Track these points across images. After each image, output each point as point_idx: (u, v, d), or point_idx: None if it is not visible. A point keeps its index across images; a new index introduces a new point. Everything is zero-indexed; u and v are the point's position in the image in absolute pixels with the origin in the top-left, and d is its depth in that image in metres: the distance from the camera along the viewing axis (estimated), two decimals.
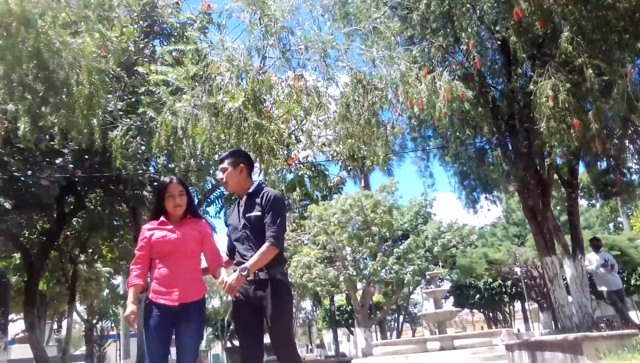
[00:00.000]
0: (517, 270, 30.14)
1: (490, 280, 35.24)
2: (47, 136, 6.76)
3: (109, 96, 5.72)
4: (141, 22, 8.36)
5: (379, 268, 25.24)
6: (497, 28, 8.98)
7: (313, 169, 9.23)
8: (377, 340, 32.03)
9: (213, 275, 3.88)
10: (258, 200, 3.86)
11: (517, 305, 42.30)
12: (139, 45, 7.91)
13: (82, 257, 12.59)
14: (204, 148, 6.40)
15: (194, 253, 3.84)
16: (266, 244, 3.65)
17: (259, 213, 3.80)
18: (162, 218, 3.86)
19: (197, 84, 6.49)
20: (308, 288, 26.77)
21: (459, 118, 8.91)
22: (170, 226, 3.82)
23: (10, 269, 13.52)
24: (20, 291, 18.24)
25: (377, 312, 32.46)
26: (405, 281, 25.65)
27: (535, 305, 36.62)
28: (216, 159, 4.01)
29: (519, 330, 36.00)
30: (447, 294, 35.10)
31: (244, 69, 5.95)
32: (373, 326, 31.83)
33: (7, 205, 7.65)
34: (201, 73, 6.23)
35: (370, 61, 6.31)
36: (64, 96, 5.13)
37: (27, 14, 4.58)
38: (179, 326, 3.71)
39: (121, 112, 6.87)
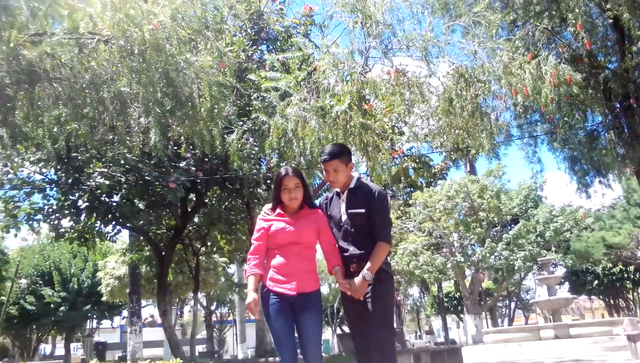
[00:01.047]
0: None
1: (609, 265, 33.23)
2: (173, 143, 7.46)
3: (226, 106, 6.26)
4: (249, 29, 8.91)
5: (487, 254, 24.74)
6: (608, 6, 8.56)
7: (417, 160, 9.36)
8: (487, 327, 31.45)
9: (329, 271, 3.93)
10: (361, 196, 3.88)
11: None
12: (248, 52, 8.45)
13: (203, 249, 13.62)
14: (313, 148, 6.79)
15: (311, 244, 3.87)
16: (380, 244, 3.73)
17: (362, 210, 3.82)
18: (278, 209, 3.88)
19: (304, 87, 6.89)
20: (415, 275, 26.81)
21: (567, 102, 8.63)
22: (287, 218, 3.82)
23: (141, 261, 14.89)
24: (149, 281, 20.04)
25: (487, 299, 31.82)
26: (516, 268, 24.95)
27: None
28: (320, 158, 4.14)
29: None
30: (562, 280, 33.60)
31: (348, 72, 6.27)
32: (483, 313, 31.26)
33: (141, 206, 8.58)
34: (308, 78, 6.61)
35: (472, 53, 6.36)
36: (189, 110, 5.72)
37: (158, 40, 5.19)
38: (299, 316, 3.72)
39: (235, 117, 7.42)
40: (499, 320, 41.10)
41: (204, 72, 5.66)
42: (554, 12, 8.98)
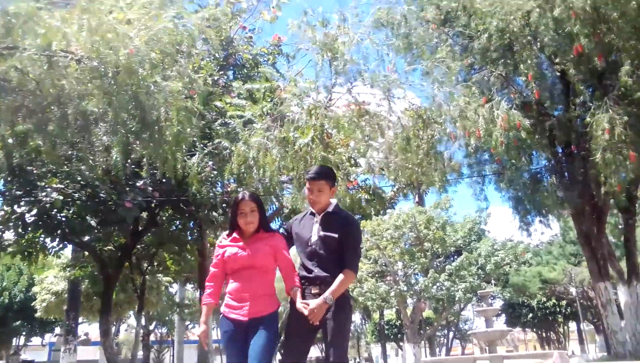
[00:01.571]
0: (573, 290, 29.58)
1: (544, 299, 34.61)
2: (131, 163, 7.45)
3: (192, 131, 6.35)
4: (217, 54, 9.03)
5: (430, 284, 25.27)
6: (557, 60, 9.19)
7: (370, 192, 9.64)
8: (426, 356, 31.95)
9: (287, 292, 3.87)
10: (337, 221, 3.87)
11: (573, 325, 41.28)
12: (215, 77, 8.57)
13: (149, 269, 13.43)
14: (272, 176, 6.96)
15: (265, 267, 3.82)
16: (346, 271, 3.72)
17: (336, 235, 3.81)
18: (234, 234, 3.88)
19: (269, 117, 7.06)
20: (358, 302, 27.08)
21: (515, 146, 9.16)
22: (241, 243, 3.82)
23: (84, 277, 14.52)
24: (88, 298, 19.45)
25: (427, 328, 32.39)
26: (457, 299, 25.58)
27: (592, 327, 35.70)
28: (307, 175, 4.11)
29: (573, 352, 35.15)
30: (499, 312, 34.69)
31: (313, 107, 6.48)
32: (422, 342, 31.80)
33: (93, 223, 8.45)
34: (274, 108, 6.79)
35: (431, 96, 6.72)
36: (154, 133, 5.77)
37: (132, 64, 5.24)
38: (251, 338, 3.66)
39: (197, 140, 7.50)
40: (437, 350, 41.85)
41: (173, 97, 5.75)
42: (508, 61, 9.56)
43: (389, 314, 38.94)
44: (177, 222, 11.29)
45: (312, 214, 4.01)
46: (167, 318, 34.77)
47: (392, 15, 9.71)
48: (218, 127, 7.71)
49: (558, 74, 9.76)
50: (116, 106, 5.44)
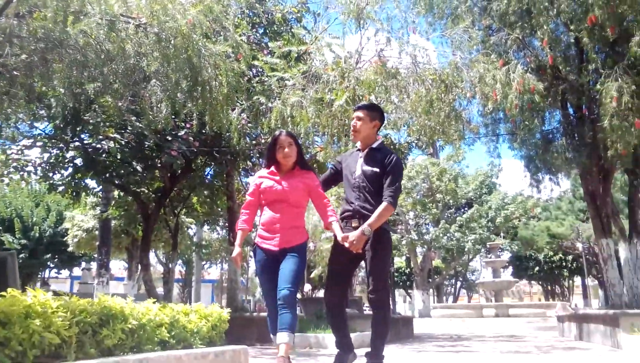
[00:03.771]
0: (579, 245, 30.33)
1: (551, 253, 35.49)
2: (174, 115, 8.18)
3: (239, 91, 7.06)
4: (249, 13, 9.63)
5: (440, 235, 26.21)
6: (572, 27, 9.63)
7: (392, 146, 10.33)
8: (434, 303, 33.31)
9: (325, 227, 4.05)
10: (379, 157, 4.00)
11: (578, 280, 42.31)
12: (248, 35, 9.18)
13: (183, 211, 14.43)
14: (307, 132, 7.70)
15: (298, 203, 3.95)
16: (385, 203, 3.82)
17: (377, 170, 3.94)
18: (272, 168, 4.02)
19: (302, 77, 7.74)
20: None
21: (529, 108, 9.73)
22: (277, 177, 3.96)
23: (120, 217, 15.58)
24: (116, 235, 20.66)
25: (436, 277, 33.63)
26: (466, 249, 26.55)
27: (596, 282, 36.65)
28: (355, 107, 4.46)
29: (576, 305, 36.29)
30: (507, 264, 35.75)
31: (347, 70, 7.14)
32: (431, 290, 33.06)
33: (139, 168, 9.34)
34: (308, 72, 7.47)
35: (454, 64, 7.32)
36: (206, 92, 6.51)
37: (187, 30, 5.93)
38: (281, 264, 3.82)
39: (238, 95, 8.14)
40: (444, 298, 43.34)
41: (221, 60, 6.44)
42: (525, 25, 10.00)
43: (399, 262, 40.18)
44: (209, 169, 12.15)
45: (359, 150, 4.20)
46: (184, 257, 36.27)
47: None
48: (255, 84, 8.39)
49: (572, 40, 10.18)
50: (173, 67, 6.16)
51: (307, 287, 34.78)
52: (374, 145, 4.12)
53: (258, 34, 9.95)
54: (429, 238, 26.82)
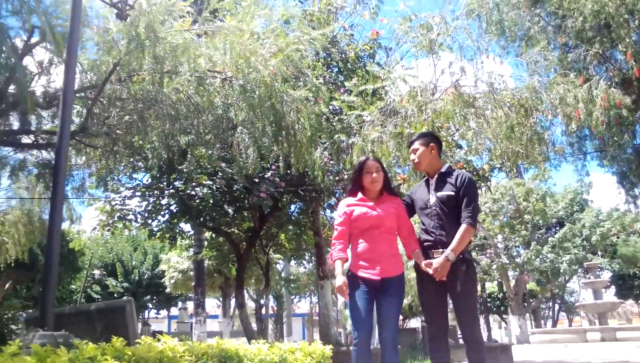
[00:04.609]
0: None
1: None
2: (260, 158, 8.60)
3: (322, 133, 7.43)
4: (323, 54, 10.03)
5: (532, 257, 25.28)
6: None
7: (474, 173, 10.27)
8: (531, 328, 31.85)
9: (408, 256, 4.02)
10: (451, 180, 3.95)
11: None
12: (324, 75, 9.55)
13: (272, 249, 14.94)
14: (389, 166, 7.86)
15: (392, 229, 3.91)
16: (464, 226, 3.75)
17: (452, 193, 3.89)
18: (360, 195, 3.96)
19: (380, 113, 7.95)
20: None
21: (617, 124, 9.38)
22: (370, 203, 3.90)
23: (212, 258, 16.30)
24: (209, 275, 21.49)
25: (531, 300, 32.26)
26: (561, 271, 25.41)
27: None
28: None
29: None
30: (608, 284, 33.67)
31: (423, 102, 7.28)
32: (527, 314, 31.74)
33: (230, 210, 9.87)
34: (386, 107, 7.68)
35: (532, 88, 7.27)
36: (290, 136, 6.88)
37: (270, 80, 6.34)
38: (380, 299, 3.77)
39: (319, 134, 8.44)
40: (542, 322, 41.29)
41: (302, 104, 6.80)
42: (605, 38, 9.73)
43: (491, 287, 38.86)
44: (294, 206, 12.59)
45: (427, 180, 4.16)
46: (274, 292, 36.96)
47: (483, 2, 10.22)
48: (334, 123, 8.69)
49: None
50: (258, 114, 6.58)
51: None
52: (443, 169, 4.08)
53: (333, 73, 10.31)
54: (520, 260, 25.89)
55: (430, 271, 3.71)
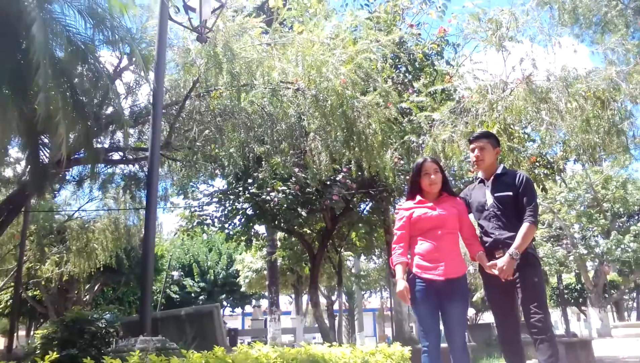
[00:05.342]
0: None
1: None
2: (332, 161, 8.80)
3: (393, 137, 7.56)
4: (392, 55, 10.10)
5: (613, 247, 24.25)
6: None
7: (548, 166, 10.06)
8: (614, 321, 30.58)
9: (472, 258, 3.99)
10: (508, 181, 3.96)
11: None
12: (392, 76, 9.62)
13: (344, 248, 15.19)
14: (460, 165, 7.87)
15: (454, 228, 3.87)
16: (526, 224, 3.76)
17: (510, 193, 3.89)
18: (418, 197, 3.94)
19: (452, 113, 7.96)
20: None
21: None
22: (429, 204, 3.87)
23: (286, 257, 16.73)
24: (282, 273, 21.99)
25: (613, 292, 30.94)
26: None
27: None
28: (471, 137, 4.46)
29: None
30: None
31: (495, 101, 7.24)
32: (608, 306, 30.46)
33: (304, 213, 10.16)
34: (457, 106, 7.69)
35: (609, 79, 7.07)
36: (362, 141, 7.04)
37: (342, 88, 6.54)
38: (445, 301, 3.72)
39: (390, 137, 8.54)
40: (626, 314, 39.52)
41: (373, 110, 6.94)
42: None
43: (568, 278, 37.52)
44: (364, 206, 12.76)
45: (482, 182, 4.15)
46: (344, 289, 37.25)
47: None
48: (404, 124, 8.77)
49: None
50: (330, 122, 6.79)
51: (471, 311, 33.90)
52: (498, 171, 4.08)
53: (401, 73, 10.35)
54: (599, 251, 24.88)
55: (496, 272, 3.72)
